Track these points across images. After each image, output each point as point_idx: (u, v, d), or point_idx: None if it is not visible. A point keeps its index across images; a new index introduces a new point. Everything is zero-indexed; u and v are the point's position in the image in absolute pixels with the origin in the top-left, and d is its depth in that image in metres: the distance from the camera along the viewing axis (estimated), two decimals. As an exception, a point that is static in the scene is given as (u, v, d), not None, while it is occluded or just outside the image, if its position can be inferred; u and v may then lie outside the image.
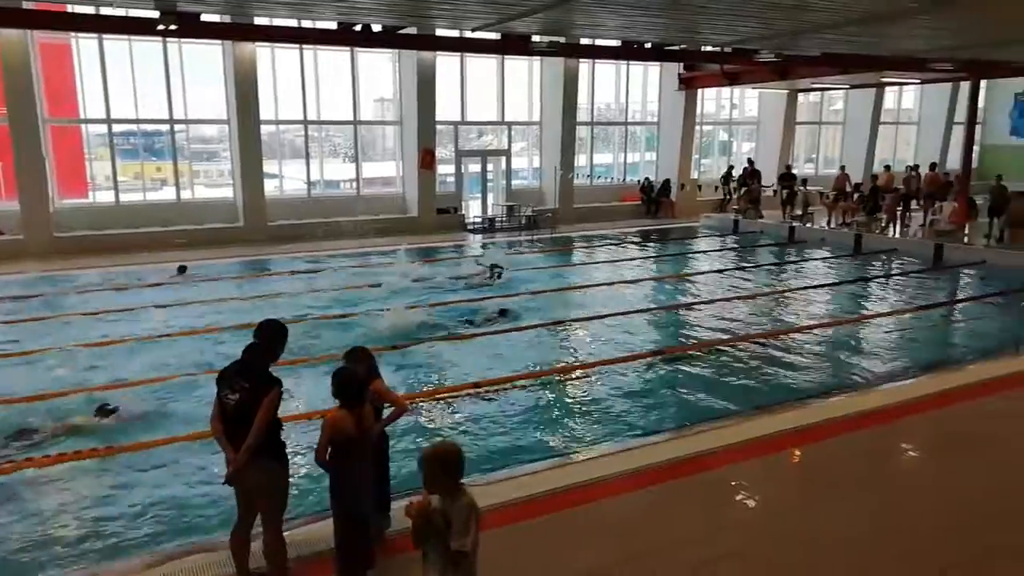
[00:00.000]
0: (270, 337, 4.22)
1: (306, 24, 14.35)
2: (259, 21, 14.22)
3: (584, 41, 15.24)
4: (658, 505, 5.30)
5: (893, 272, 15.20)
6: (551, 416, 7.41)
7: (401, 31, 12.90)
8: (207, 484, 5.60)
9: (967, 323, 11.37)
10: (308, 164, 19.72)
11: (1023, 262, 14.53)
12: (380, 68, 20.19)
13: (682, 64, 21.98)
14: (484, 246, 18.10)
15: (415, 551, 3.27)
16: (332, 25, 12.97)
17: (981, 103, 23.12)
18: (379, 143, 22.03)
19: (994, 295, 12.83)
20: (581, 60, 21.02)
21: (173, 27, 11.01)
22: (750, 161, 23.35)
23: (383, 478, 4.78)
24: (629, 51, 15.61)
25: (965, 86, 20.23)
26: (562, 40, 14.35)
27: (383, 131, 21.62)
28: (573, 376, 8.56)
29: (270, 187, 19.06)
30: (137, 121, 17.92)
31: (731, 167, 24.05)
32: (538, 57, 19.95)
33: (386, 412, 4.70)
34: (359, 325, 10.30)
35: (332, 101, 19.68)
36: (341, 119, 20.10)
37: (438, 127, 20.27)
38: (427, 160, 19.62)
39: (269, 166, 19.14)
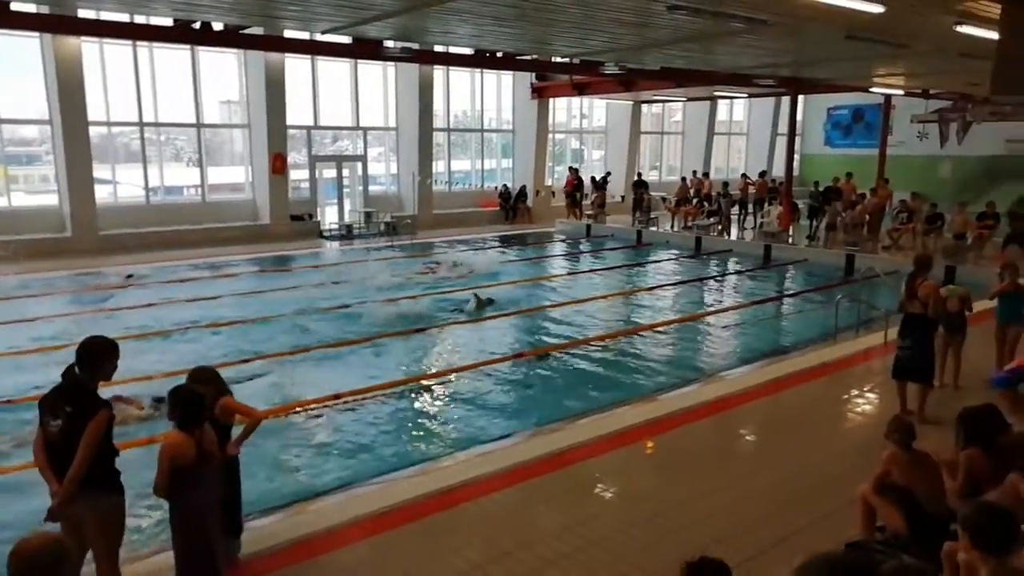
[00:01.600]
0: (94, 356, 3.77)
1: (139, 19, 13.36)
2: (84, 14, 13.03)
3: (438, 48, 15.29)
4: (522, 503, 5.40)
5: (730, 271, 16.44)
6: (413, 423, 7.35)
7: (245, 31, 12.30)
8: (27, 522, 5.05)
9: (793, 316, 12.50)
10: (146, 169, 18.37)
11: (839, 260, 16.20)
12: (225, 68, 19.19)
13: (534, 74, 22.62)
14: (346, 252, 17.69)
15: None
16: (168, 21, 12.14)
17: (800, 116, 25.60)
18: (226, 147, 20.92)
19: (815, 289, 14.20)
20: (436, 67, 21.09)
21: (-24, 15, 9.87)
22: (572, 169, 24.19)
23: (234, 500, 4.52)
24: (482, 59, 15.82)
25: (786, 101, 22.24)
26: (416, 46, 14.31)
27: (231, 134, 20.55)
28: (436, 381, 8.55)
29: (103, 193, 17.56)
30: (-63, 120, 15.94)
31: (608, 173, 24.97)
32: (392, 62, 19.79)
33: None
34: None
35: (172, 102, 18.45)
36: (182, 121, 18.91)
37: (290, 131, 19.60)
38: (278, 165, 18.90)
39: (101, 171, 17.63)
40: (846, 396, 7.88)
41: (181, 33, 12.18)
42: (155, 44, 17.29)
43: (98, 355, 3.79)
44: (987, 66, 7.76)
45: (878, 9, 8.07)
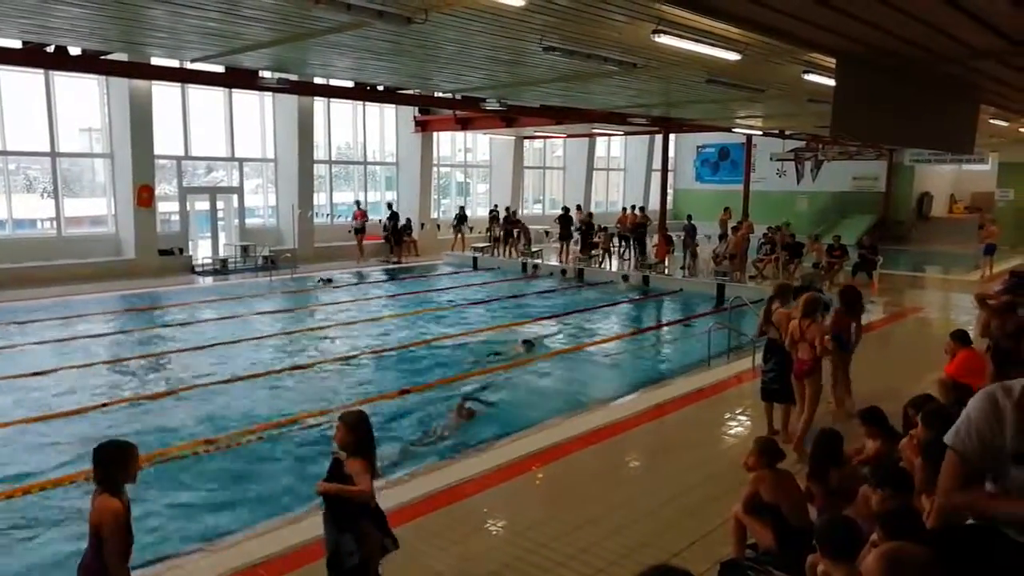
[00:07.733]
0: None
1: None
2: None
3: (318, 80, 15.03)
4: (408, 543, 5.23)
5: (612, 301, 16.95)
6: (295, 465, 7.02)
7: (107, 56, 11.60)
8: None
9: (671, 343, 13.02)
10: (-10, 201, 16.87)
11: (710, 289, 17.10)
12: (85, 94, 18.00)
13: (418, 108, 22.70)
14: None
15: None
16: (16, 43, 11.25)
17: (672, 153, 27.07)
18: (87, 177, 19.54)
19: (690, 317, 14.90)
20: (316, 98, 20.73)
21: None
22: (357, 202, 24.02)
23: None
24: (363, 92, 15.69)
25: (659, 139, 23.46)
26: (293, 77, 14.01)
27: (91, 164, 19.22)
28: (316, 420, 8.23)
29: (-62, 228, 15.95)
30: None
31: (462, 207, 25.23)
32: (269, 93, 19.29)
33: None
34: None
35: (22, 128, 17.09)
36: (35, 150, 17.53)
37: (159, 162, 18.61)
38: (144, 197, 17.84)
39: (-64, 203, 16.02)
40: (721, 419, 8.24)
41: (32, 56, 11.32)
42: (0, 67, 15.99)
43: None
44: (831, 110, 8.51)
45: (735, 57, 8.70)
